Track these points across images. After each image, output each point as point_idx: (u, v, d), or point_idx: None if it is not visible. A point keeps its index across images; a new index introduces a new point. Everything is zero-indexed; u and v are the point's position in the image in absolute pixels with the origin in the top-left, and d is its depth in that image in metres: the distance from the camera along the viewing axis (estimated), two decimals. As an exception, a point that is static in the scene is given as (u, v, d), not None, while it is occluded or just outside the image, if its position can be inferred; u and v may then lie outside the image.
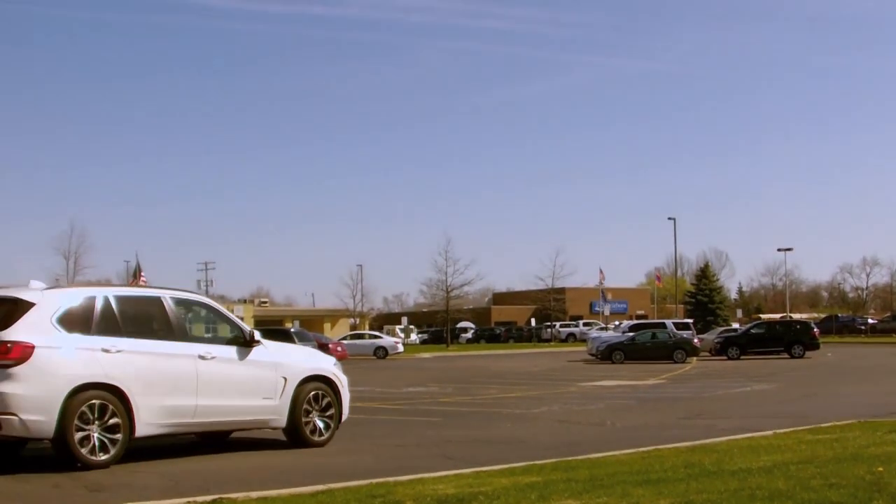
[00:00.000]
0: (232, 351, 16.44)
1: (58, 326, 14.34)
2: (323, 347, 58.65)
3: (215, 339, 16.90)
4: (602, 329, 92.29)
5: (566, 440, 18.84)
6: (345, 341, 72.20)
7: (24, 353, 13.69)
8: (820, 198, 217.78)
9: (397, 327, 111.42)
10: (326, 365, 17.95)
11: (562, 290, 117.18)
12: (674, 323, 71.04)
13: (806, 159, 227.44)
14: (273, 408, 16.69)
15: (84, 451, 14.03)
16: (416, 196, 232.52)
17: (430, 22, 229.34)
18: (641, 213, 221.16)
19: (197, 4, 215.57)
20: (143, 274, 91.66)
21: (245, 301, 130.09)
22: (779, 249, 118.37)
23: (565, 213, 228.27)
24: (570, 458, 14.76)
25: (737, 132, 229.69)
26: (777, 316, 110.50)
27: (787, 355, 60.35)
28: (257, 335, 16.77)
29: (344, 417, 18.09)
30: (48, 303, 14.47)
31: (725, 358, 60.28)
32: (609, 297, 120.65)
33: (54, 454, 14.43)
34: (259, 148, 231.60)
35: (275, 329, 65.39)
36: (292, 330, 61.08)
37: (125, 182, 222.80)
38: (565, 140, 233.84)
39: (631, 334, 63.22)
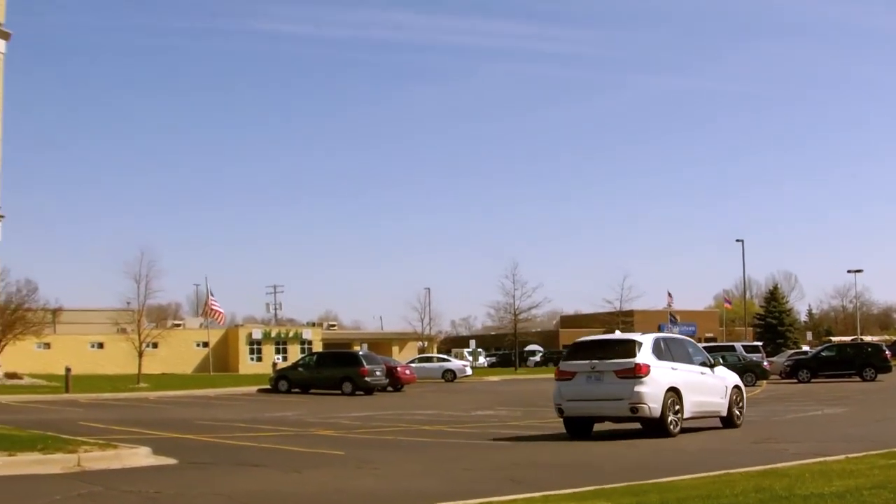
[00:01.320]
0: (707, 369, 26.15)
1: (652, 355, 24.14)
2: (391, 371, 58.84)
3: (701, 363, 26.24)
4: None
5: (634, 464, 18.75)
6: (413, 364, 72.20)
7: (646, 370, 23.55)
8: (891, 218, 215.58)
9: (465, 350, 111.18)
10: (737, 380, 27.51)
11: (630, 313, 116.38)
12: (743, 346, 70.28)
13: (875, 179, 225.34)
14: (721, 403, 26.29)
15: (670, 426, 23.63)
16: (484, 219, 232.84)
17: (489, 45, 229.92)
18: (709, 235, 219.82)
19: (260, 30, 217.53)
20: (212, 297, 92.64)
21: (314, 324, 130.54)
22: (849, 271, 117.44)
23: (633, 235, 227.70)
24: (639, 483, 14.69)
25: (804, 152, 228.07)
26: (848, 338, 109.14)
27: (858, 378, 59.70)
28: (713, 360, 26.82)
29: (744, 412, 27.62)
30: (646, 342, 24.46)
31: (796, 381, 59.72)
32: (677, 319, 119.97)
33: (647, 429, 23.98)
34: (325, 174, 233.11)
35: (343, 352, 65.65)
36: (360, 353, 61.19)
37: (195, 207, 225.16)
38: (630, 161, 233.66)
39: (700, 357, 62.64)
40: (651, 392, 23.30)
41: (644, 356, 23.71)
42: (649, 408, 23.19)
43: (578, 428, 24.83)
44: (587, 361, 24.24)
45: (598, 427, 25.31)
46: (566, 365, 25.00)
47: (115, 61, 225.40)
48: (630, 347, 24.17)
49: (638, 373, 23.31)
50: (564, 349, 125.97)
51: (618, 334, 33.22)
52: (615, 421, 24.86)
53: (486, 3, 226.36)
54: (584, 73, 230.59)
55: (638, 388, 23.16)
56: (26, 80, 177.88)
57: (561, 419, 25.21)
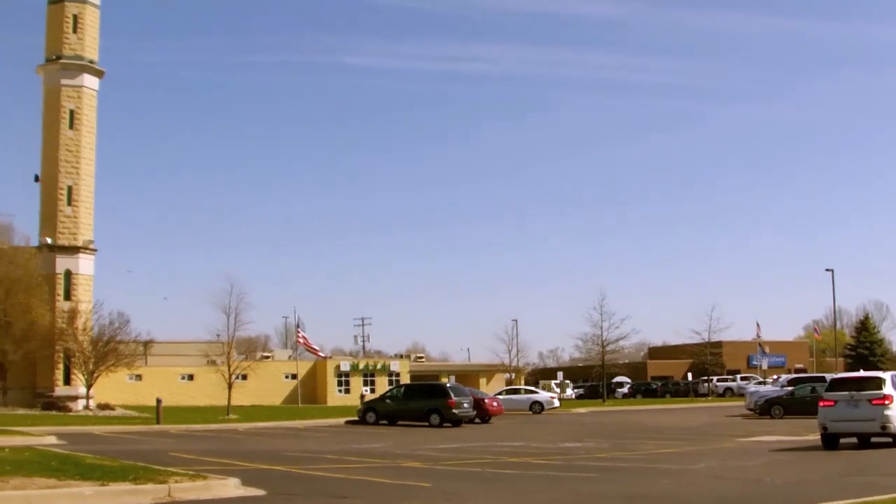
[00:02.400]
0: None
1: (892, 387, 30.20)
2: (478, 402, 58.80)
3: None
4: (760, 383, 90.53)
5: (724, 497, 18.62)
6: (500, 396, 72.12)
7: (892, 399, 29.87)
8: None
9: (553, 382, 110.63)
10: None
11: (718, 344, 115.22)
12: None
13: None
14: None
15: None
16: (571, 250, 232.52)
17: (577, 76, 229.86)
18: (798, 264, 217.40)
19: (341, 64, 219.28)
20: (300, 331, 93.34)
21: (401, 356, 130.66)
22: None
23: (721, 265, 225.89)
24: None
25: (894, 181, 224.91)
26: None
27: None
28: None
29: None
30: (888, 378, 30.70)
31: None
32: (767, 350, 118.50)
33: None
34: (413, 208, 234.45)
35: (431, 384, 65.70)
36: (448, 385, 61.16)
37: (284, 240, 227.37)
38: (716, 192, 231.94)
39: (790, 388, 61.78)
40: (894, 415, 29.91)
41: (888, 388, 30.35)
42: (895, 426, 29.91)
43: (833, 442, 31.31)
44: (846, 392, 30.90)
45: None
46: (829, 395, 31.40)
47: (204, 96, 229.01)
48: (878, 382, 31.01)
49: (886, 401, 29.97)
50: (651, 380, 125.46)
51: (863, 372, 40.08)
52: (867, 437, 31.52)
53: (569, 34, 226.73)
54: (668, 104, 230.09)
55: (886, 412, 29.83)
56: (118, 114, 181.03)
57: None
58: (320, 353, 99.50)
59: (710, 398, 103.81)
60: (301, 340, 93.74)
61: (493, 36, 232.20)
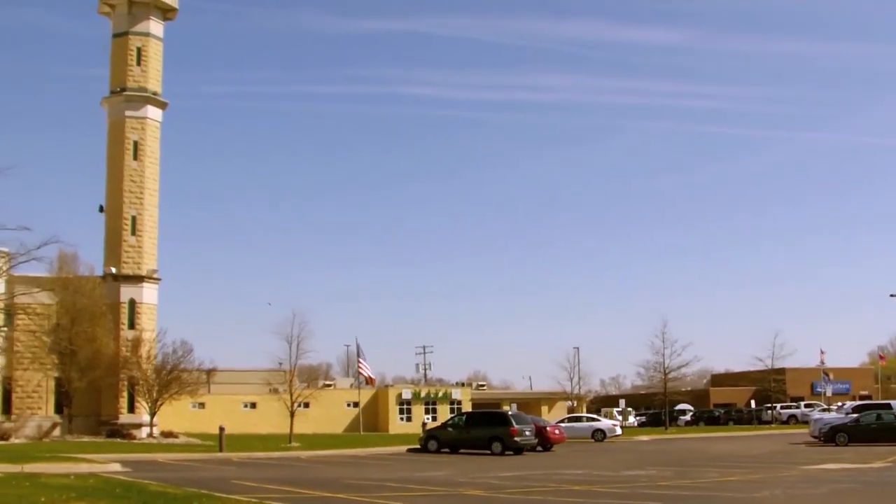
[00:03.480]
0: None
1: None
2: (540, 430, 58.63)
3: None
4: (824, 410, 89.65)
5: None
6: (562, 424, 71.85)
7: None
8: None
9: (615, 410, 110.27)
10: None
11: (782, 371, 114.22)
12: (900, 404, 68.52)
13: None
14: None
15: None
16: (632, 277, 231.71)
17: (639, 103, 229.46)
18: (862, 290, 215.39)
19: (406, 94, 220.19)
20: (361, 360, 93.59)
21: (462, 384, 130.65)
22: None
23: (783, 291, 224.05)
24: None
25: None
26: None
27: None
28: None
29: None
30: None
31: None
32: (831, 377, 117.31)
33: None
34: (473, 235, 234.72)
35: (492, 412, 65.58)
36: (510, 413, 61.02)
37: (345, 268, 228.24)
38: (777, 219, 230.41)
39: (855, 415, 61.13)
40: None
41: None
42: None
43: None
44: None
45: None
46: None
47: (263, 127, 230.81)
48: None
49: None
50: (714, 408, 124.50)
51: None
52: None
53: (628, 62, 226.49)
54: (729, 129, 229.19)
55: None
56: (181, 144, 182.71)
57: None
58: (372, 382, 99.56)
59: (773, 426, 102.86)
60: (360, 368, 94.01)
61: (554, 65, 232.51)
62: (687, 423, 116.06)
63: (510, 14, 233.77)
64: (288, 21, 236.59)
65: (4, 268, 49.54)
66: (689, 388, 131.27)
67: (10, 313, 61.02)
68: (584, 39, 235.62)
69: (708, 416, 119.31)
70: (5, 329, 62.39)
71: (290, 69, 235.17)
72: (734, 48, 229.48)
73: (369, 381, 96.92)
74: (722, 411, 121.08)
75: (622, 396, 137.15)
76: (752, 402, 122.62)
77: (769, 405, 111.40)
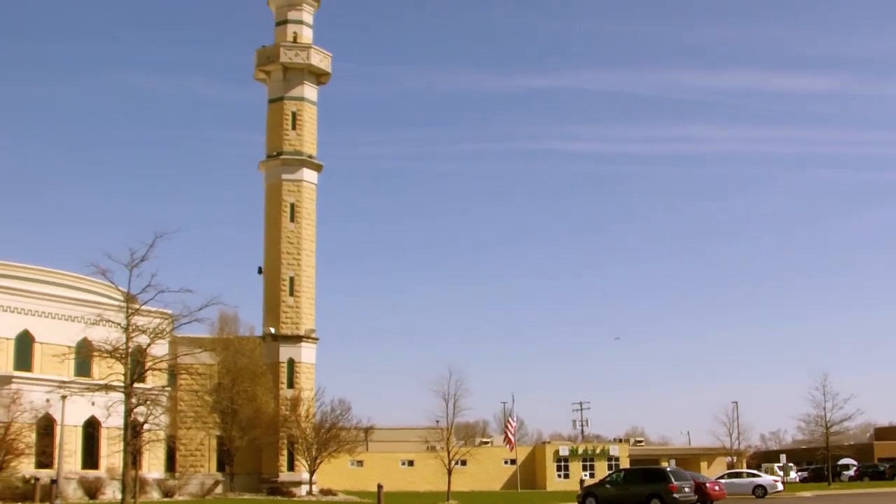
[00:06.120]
0: None
1: None
2: (700, 487, 57.87)
3: None
4: None
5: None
6: (722, 480, 70.77)
7: None
8: None
9: (776, 465, 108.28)
10: None
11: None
12: None
13: None
14: None
15: None
16: (791, 330, 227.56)
17: (785, 152, 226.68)
18: None
19: (559, 150, 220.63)
20: (511, 421, 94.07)
21: (620, 440, 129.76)
22: None
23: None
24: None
25: None
26: None
27: None
28: None
29: None
30: None
31: None
32: None
33: None
34: (623, 290, 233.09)
35: (651, 468, 65.00)
36: (668, 469, 60.42)
37: (501, 326, 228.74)
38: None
39: None
40: None
41: None
42: None
43: None
44: None
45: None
46: None
47: (415, 186, 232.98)
48: None
49: None
50: (878, 462, 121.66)
51: None
52: None
53: (780, 110, 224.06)
54: (889, 175, 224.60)
55: None
56: (336, 205, 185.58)
57: None
58: (511, 448, 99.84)
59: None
60: (507, 429, 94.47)
61: (707, 116, 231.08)
62: (850, 479, 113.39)
63: (658, 66, 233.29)
64: (437, 81, 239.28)
65: (168, 329, 50.77)
66: (851, 443, 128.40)
67: (174, 373, 62.51)
68: (734, 89, 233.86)
69: (873, 471, 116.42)
70: (169, 389, 63.92)
71: (438, 128, 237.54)
72: (887, 92, 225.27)
73: (509, 443, 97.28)
74: (887, 465, 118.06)
75: (783, 451, 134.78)
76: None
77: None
